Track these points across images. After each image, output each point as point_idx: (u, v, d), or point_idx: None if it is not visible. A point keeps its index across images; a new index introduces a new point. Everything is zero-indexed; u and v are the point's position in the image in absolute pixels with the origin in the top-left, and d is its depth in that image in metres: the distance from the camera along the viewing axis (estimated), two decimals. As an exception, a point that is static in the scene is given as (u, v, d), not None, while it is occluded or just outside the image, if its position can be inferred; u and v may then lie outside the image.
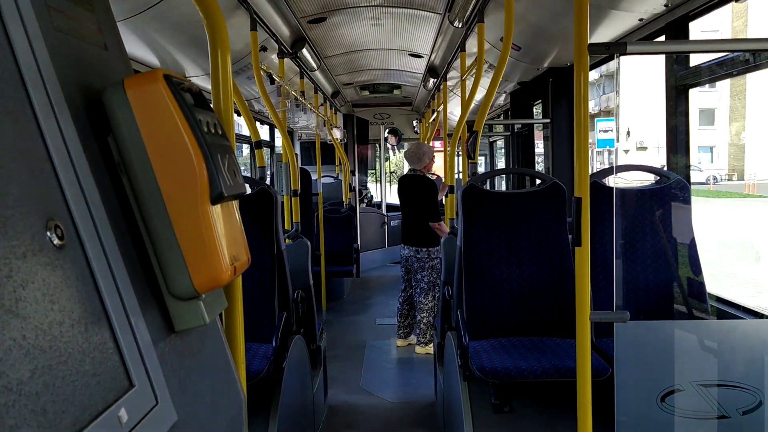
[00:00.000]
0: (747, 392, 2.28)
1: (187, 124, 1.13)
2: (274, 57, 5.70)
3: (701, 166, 36.00)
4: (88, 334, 0.90)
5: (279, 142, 9.13)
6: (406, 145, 12.97)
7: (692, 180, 3.38)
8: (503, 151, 9.92)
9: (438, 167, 11.69)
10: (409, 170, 6.46)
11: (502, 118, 8.83)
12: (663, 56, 3.61)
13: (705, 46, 2.26)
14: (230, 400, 1.34)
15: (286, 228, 5.13)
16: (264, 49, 5.45)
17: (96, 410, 0.87)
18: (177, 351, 1.16)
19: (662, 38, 3.80)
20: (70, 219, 0.95)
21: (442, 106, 6.97)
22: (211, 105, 1.63)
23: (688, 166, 3.62)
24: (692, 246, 3.32)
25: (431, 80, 8.39)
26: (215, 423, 1.23)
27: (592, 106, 40.67)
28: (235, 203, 1.35)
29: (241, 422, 1.38)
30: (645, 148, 38.51)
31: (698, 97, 36.64)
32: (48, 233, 0.88)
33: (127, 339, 0.99)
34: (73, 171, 0.99)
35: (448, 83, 7.02)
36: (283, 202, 5.40)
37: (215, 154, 1.17)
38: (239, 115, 5.95)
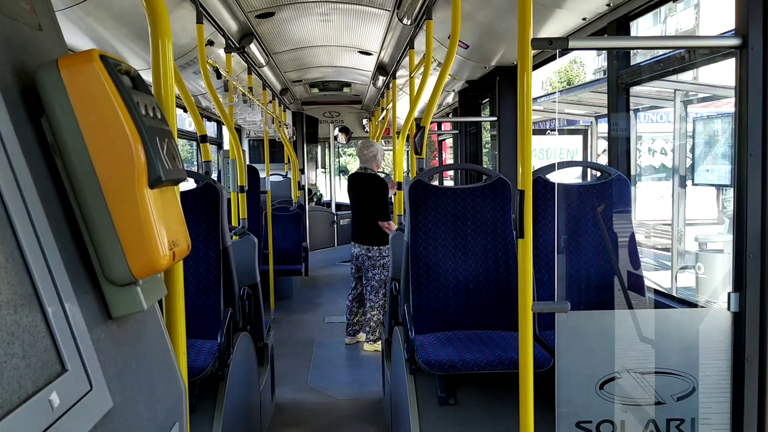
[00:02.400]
0: (681, 379, 2.36)
1: (124, 105, 1.10)
2: (221, 52, 5.62)
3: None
4: (18, 316, 0.88)
5: (227, 139, 9.02)
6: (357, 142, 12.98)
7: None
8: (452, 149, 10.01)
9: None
10: (360, 168, 6.46)
11: (451, 116, 8.91)
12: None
13: (643, 42, 2.33)
14: (169, 389, 1.32)
15: (233, 225, 5.07)
16: (211, 43, 5.37)
17: (26, 393, 0.85)
18: (113, 337, 1.14)
19: (604, 38, 3.90)
20: (0, 200, 0.92)
21: (391, 104, 6.99)
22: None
23: (628, 162, 3.72)
24: (632, 240, 3.42)
25: (380, 78, 8.40)
26: (153, 411, 1.21)
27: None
28: (175, 189, 1.33)
29: (181, 411, 1.36)
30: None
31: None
32: None
33: (60, 323, 0.97)
34: (3, 152, 0.96)
35: (398, 81, 7.04)
36: (229, 199, 5.34)
37: (154, 138, 1.15)
38: (185, 111, 5.86)
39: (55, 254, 1.01)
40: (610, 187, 3.51)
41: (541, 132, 11.52)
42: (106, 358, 1.07)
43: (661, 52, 3.30)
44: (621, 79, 3.65)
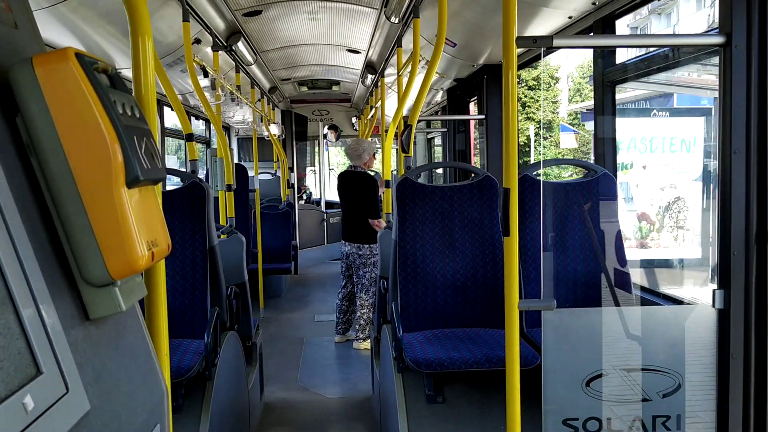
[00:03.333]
0: (667, 376, 2.37)
1: (100, 104, 1.09)
2: (209, 50, 5.59)
3: None
4: None
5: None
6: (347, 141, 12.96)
7: None
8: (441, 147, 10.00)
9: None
10: (350, 167, 6.46)
11: (439, 114, 8.91)
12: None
13: (628, 41, 2.34)
14: (150, 391, 1.31)
15: (221, 224, 5.05)
16: (198, 41, 5.35)
17: None
18: (91, 339, 1.12)
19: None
20: None
21: (379, 103, 6.99)
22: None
23: (614, 160, 3.73)
24: (618, 237, 3.43)
25: (369, 76, 8.39)
26: (133, 413, 1.20)
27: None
28: (155, 188, 1.31)
29: (162, 413, 1.35)
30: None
31: None
32: None
33: (35, 325, 0.95)
34: None
35: (386, 79, 7.04)
36: (217, 198, 5.31)
37: (131, 137, 1.14)
38: (173, 109, 5.83)
39: (30, 254, 1.00)
40: (597, 185, 3.51)
41: (644, 113, 8.61)
42: (83, 359, 1.06)
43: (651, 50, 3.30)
44: (607, 78, 3.66)
